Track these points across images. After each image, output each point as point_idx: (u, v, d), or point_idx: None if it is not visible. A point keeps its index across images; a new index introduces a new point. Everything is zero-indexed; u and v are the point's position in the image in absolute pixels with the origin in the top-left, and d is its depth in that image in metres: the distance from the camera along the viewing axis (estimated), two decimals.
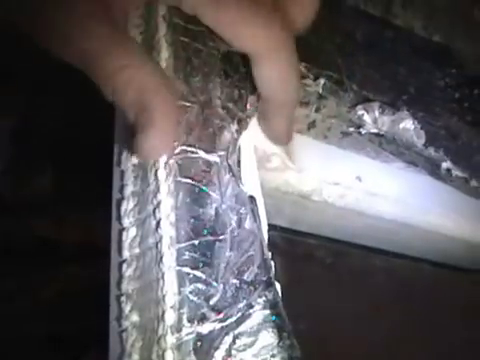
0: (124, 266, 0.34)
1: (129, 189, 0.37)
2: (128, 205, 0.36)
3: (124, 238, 0.35)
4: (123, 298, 0.33)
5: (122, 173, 0.38)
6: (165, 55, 0.41)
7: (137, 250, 0.34)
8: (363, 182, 0.48)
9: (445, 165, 0.49)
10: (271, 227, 0.40)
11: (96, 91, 0.36)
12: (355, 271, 0.54)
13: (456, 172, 0.50)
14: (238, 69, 0.43)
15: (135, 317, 0.32)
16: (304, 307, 0.46)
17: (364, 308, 0.52)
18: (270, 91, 0.41)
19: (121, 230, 0.35)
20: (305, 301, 0.47)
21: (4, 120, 0.72)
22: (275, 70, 0.40)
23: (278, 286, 0.36)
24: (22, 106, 0.73)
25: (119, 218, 0.36)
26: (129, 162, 0.37)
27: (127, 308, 0.33)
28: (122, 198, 0.36)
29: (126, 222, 0.35)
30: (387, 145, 0.49)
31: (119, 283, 0.34)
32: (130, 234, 0.35)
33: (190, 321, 0.31)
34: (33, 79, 0.72)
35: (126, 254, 0.34)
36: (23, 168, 0.72)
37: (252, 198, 0.38)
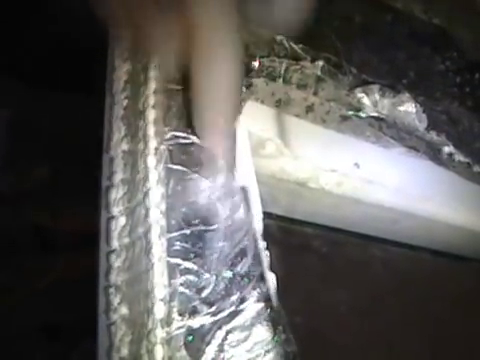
0: (113, 256, 0.33)
1: (118, 176, 0.35)
2: (117, 193, 0.35)
3: (113, 227, 0.34)
4: (112, 290, 0.32)
5: (111, 160, 0.36)
6: None
7: (127, 240, 0.33)
8: (361, 169, 0.47)
9: (447, 150, 0.48)
10: (266, 215, 0.38)
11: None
12: (353, 261, 0.52)
13: (458, 157, 0.49)
14: None
15: (124, 310, 0.31)
16: (300, 299, 0.45)
17: (362, 299, 0.51)
18: None
19: (110, 219, 0.34)
20: (301, 293, 0.46)
21: (1, 111, 0.72)
22: None
23: (273, 278, 0.34)
24: (20, 98, 0.73)
25: (108, 206, 0.35)
26: (119, 148, 0.36)
27: (116, 300, 0.31)
28: (111, 186, 0.35)
29: (115, 211, 0.34)
30: (388, 129, 0.48)
31: (107, 274, 0.32)
32: (119, 223, 0.34)
33: (181, 315, 0.30)
34: (32, 71, 0.72)
35: (115, 244, 0.33)
36: (21, 159, 0.71)
37: (245, 186, 0.37)
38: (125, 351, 0.30)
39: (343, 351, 0.47)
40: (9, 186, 0.69)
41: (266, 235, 0.37)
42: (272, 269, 0.35)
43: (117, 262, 0.33)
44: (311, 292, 0.48)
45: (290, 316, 0.33)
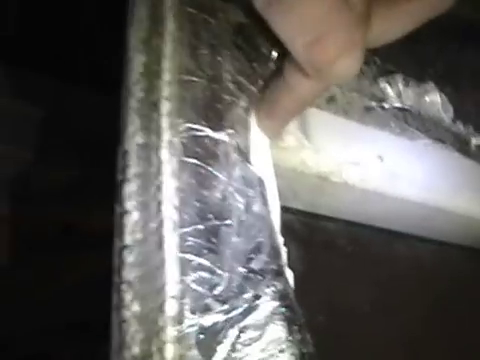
0: (126, 252, 0.32)
1: (132, 170, 0.34)
2: (131, 187, 0.34)
3: (126, 222, 0.33)
4: (124, 286, 0.31)
5: (125, 153, 0.35)
6: (171, 27, 0.38)
7: (139, 235, 0.32)
8: (385, 162, 0.45)
9: (475, 141, 0.46)
10: (286, 210, 0.37)
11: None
12: (378, 258, 0.51)
13: None
14: (250, 41, 0.41)
15: (136, 307, 0.30)
16: (323, 297, 0.44)
17: (386, 299, 0.49)
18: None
19: (123, 214, 0.33)
20: (324, 291, 0.45)
21: (35, 109, 0.72)
22: None
23: (291, 275, 0.33)
24: (54, 96, 0.74)
25: (121, 201, 0.34)
26: (133, 141, 0.35)
27: (128, 297, 0.31)
28: (124, 179, 0.34)
29: (128, 205, 0.33)
30: (412, 120, 0.46)
31: (120, 270, 0.32)
32: (132, 218, 0.33)
33: (192, 312, 0.29)
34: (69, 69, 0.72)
35: (128, 239, 0.32)
36: (53, 158, 0.72)
37: (261, 180, 0.36)
38: (136, 349, 0.29)
39: (365, 354, 0.45)
40: (40, 184, 0.70)
41: (287, 231, 0.36)
42: (291, 266, 0.34)
43: (130, 258, 0.32)
44: (334, 290, 0.46)
45: (311, 315, 0.32)
